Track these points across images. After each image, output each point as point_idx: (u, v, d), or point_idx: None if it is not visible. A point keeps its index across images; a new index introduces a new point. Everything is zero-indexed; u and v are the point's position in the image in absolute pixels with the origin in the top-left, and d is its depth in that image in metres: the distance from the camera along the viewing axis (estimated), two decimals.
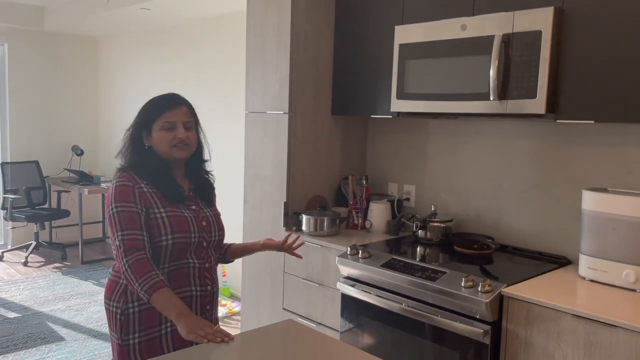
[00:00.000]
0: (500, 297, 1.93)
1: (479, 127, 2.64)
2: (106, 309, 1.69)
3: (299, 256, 1.95)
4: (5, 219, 5.37)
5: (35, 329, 3.68)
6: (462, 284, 1.98)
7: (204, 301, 1.73)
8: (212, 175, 1.87)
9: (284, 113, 2.79)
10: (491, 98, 2.13)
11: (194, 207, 1.72)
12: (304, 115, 2.83)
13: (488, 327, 1.93)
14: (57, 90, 5.97)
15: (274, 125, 2.86)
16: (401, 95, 2.47)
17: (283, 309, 2.84)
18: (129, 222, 1.57)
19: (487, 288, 1.92)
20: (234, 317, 3.89)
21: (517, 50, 2.08)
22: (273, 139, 2.87)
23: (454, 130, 2.75)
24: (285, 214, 2.81)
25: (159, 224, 1.62)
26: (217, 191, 1.89)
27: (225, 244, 1.93)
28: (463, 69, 2.24)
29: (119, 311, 1.63)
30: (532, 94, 2.05)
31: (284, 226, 2.82)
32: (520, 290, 1.92)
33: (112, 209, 1.58)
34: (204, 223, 1.72)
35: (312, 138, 2.89)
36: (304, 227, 2.73)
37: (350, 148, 3.10)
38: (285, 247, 1.92)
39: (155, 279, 1.52)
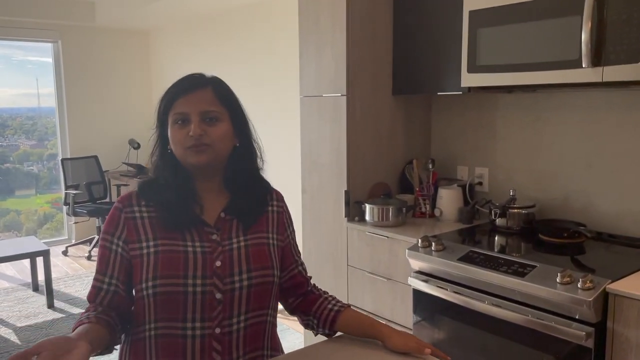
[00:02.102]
0: (605, 295, 1.67)
1: (562, 99, 2.34)
2: None
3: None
4: (68, 214, 5.47)
5: None
6: (558, 280, 1.73)
7: None
8: (266, 185, 1.31)
9: (342, 95, 2.58)
10: (583, 65, 1.84)
11: (215, 236, 1.20)
12: (362, 96, 2.61)
13: (591, 329, 1.67)
14: (111, 85, 6.00)
15: (330, 108, 2.66)
16: (473, 69, 2.21)
17: (348, 305, 2.66)
18: (100, 262, 1.20)
19: (588, 285, 1.66)
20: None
21: (613, 7, 1.78)
22: (330, 124, 2.67)
23: (532, 104, 2.46)
24: (347, 204, 2.62)
25: (142, 264, 1.15)
26: (274, 183, 1.36)
27: (332, 302, 1.30)
28: (546, 35, 1.96)
29: None
30: (633, 58, 1.75)
31: (345, 216, 2.63)
32: (628, 286, 1.65)
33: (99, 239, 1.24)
34: (218, 263, 1.16)
35: (372, 121, 2.67)
36: (367, 217, 2.53)
37: (413, 130, 2.86)
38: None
39: (77, 320, 1.12)
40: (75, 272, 4.87)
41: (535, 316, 1.80)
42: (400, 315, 2.40)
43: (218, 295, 1.15)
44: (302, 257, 1.41)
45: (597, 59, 1.83)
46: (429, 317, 2.20)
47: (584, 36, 1.82)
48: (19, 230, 5.99)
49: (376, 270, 2.49)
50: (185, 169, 1.22)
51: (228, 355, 1.17)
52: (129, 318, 1.21)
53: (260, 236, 1.25)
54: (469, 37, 2.21)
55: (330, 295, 1.37)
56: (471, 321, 2.02)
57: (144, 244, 1.17)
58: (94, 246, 5.42)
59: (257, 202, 1.27)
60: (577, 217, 2.31)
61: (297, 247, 1.38)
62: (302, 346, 2.33)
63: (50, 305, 4.01)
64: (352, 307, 1.35)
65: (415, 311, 2.25)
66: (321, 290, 1.39)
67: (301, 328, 2.96)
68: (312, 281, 1.40)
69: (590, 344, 1.67)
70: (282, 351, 1.32)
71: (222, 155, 1.22)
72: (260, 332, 1.23)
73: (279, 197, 1.35)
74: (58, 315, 3.87)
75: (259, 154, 1.29)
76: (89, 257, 5.28)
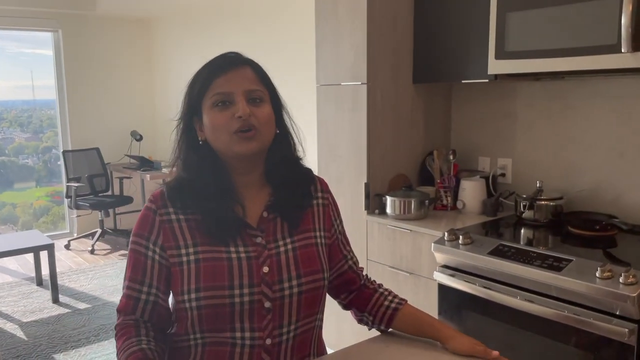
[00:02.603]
0: None
1: (593, 87, 2.27)
2: None
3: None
4: (70, 207, 5.37)
5: (107, 320, 3.60)
6: (598, 275, 1.66)
7: None
8: (309, 175, 1.19)
9: (362, 83, 2.49)
10: (623, 50, 1.76)
11: (260, 239, 1.09)
12: (383, 85, 2.53)
13: (634, 326, 1.60)
14: (112, 75, 5.89)
15: (349, 97, 2.57)
16: (501, 55, 2.13)
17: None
18: (133, 268, 1.09)
19: (631, 280, 1.59)
20: None
21: None
22: (349, 113, 2.58)
23: (560, 92, 2.38)
24: (367, 196, 2.54)
25: (183, 273, 1.05)
26: None
27: (388, 298, 1.23)
28: (582, 18, 1.88)
29: None
30: None
31: (365, 209, 2.55)
32: None
33: (129, 242, 1.12)
34: (266, 269, 1.07)
35: (393, 110, 2.59)
36: (388, 210, 2.45)
37: (434, 120, 2.77)
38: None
39: (134, 347, 1.04)
40: (79, 266, 4.79)
41: (572, 312, 1.73)
42: (424, 311, 2.32)
43: (267, 304, 1.06)
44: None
45: (637, 44, 1.75)
46: (455, 313, 2.13)
47: (624, 19, 1.74)
48: (14, 224, 5.90)
49: (398, 264, 2.42)
50: (222, 164, 1.10)
51: None
52: (166, 329, 1.13)
53: (308, 236, 1.14)
54: (497, 22, 2.13)
55: (386, 290, 1.27)
56: (500, 317, 1.95)
57: (183, 251, 1.06)
58: (96, 240, 5.33)
59: (302, 196, 1.16)
60: (607, 209, 2.24)
61: (346, 239, 1.28)
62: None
63: (55, 300, 3.93)
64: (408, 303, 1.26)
65: (440, 307, 2.18)
66: (375, 283, 1.29)
67: None
68: (364, 274, 1.31)
69: (632, 341, 1.61)
70: (326, 352, 1.24)
71: (268, 142, 1.10)
72: (309, 339, 1.15)
73: (325, 187, 1.23)
74: (64, 310, 3.79)
75: (297, 141, 1.17)
76: (92, 251, 5.19)
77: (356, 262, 1.28)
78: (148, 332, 1.08)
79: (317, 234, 1.16)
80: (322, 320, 1.20)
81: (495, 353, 1.12)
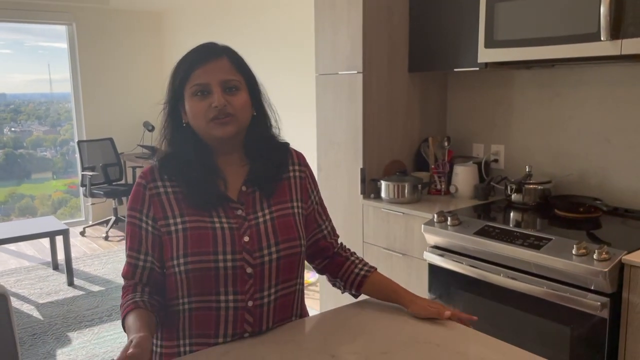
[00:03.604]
0: (621, 266, 1.68)
1: (581, 75, 2.34)
2: None
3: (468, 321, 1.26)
4: (85, 195, 5.55)
5: (119, 301, 3.73)
6: (574, 252, 1.74)
7: None
8: (284, 148, 1.29)
9: (357, 72, 2.59)
10: (602, 38, 1.84)
11: (240, 212, 1.19)
12: (378, 74, 2.62)
13: (606, 300, 1.69)
14: (125, 67, 6.04)
15: (346, 86, 2.67)
16: (490, 44, 2.21)
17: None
18: (131, 239, 1.20)
19: (604, 256, 1.68)
20: (310, 287, 3.81)
21: None
22: (346, 102, 2.68)
23: (550, 80, 2.45)
24: (362, 181, 2.65)
25: (172, 240, 1.16)
26: None
27: (358, 266, 1.33)
28: (565, 8, 1.95)
29: None
30: None
31: (361, 194, 2.65)
32: None
33: (126, 215, 1.23)
34: (246, 238, 1.17)
35: (388, 98, 2.68)
36: (382, 194, 2.55)
37: (429, 107, 2.86)
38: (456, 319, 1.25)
39: (129, 301, 1.15)
40: (94, 252, 4.97)
41: (551, 287, 1.82)
42: (415, 290, 2.42)
43: (249, 270, 1.16)
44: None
45: (616, 32, 1.82)
46: (445, 292, 2.22)
47: (603, 9, 1.81)
48: (33, 215, 6.09)
49: (391, 246, 2.52)
50: (204, 143, 1.20)
51: (258, 327, 1.20)
52: (163, 293, 1.23)
53: (285, 207, 1.24)
54: (487, 12, 2.20)
55: (358, 258, 1.37)
56: (487, 294, 2.05)
57: (171, 221, 1.17)
58: (110, 227, 5.51)
59: (276, 168, 1.25)
60: (594, 192, 2.31)
61: (324, 209, 1.37)
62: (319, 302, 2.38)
63: (70, 283, 4.10)
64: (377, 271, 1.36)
65: (430, 285, 2.28)
66: (349, 251, 1.39)
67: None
68: (339, 242, 1.40)
69: (605, 314, 1.69)
70: (308, 315, 1.35)
71: (244, 125, 1.20)
72: (289, 302, 1.25)
73: (302, 161, 1.32)
74: (78, 292, 3.95)
75: (274, 120, 1.27)
76: (106, 238, 5.37)
77: (331, 232, 1.38)
78: (143, 289, 1.20)
79: (294, 204, 1.26)
80: (302, 285, 1.30)
81: (448, 313, 1.22)
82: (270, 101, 1.27)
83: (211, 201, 1.17)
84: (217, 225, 1.16)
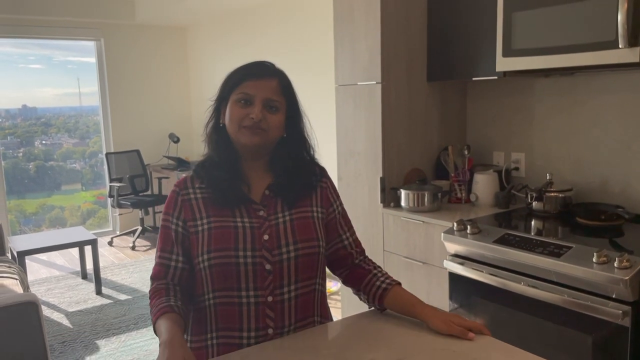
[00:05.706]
0: None
1: (601, 82, 2.33)
2: None
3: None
4: (112, 206, 5.69)
5: (145, 310, 3.84)
6: (594, 260, 1.74)
7: None
8: (311, 168, 1.36)
9: (376, 83, 2.62)
10: (620, 46, 1.83)
11: (261, 212, 1.28)
12: (397, 83, 2.65)
13: (628, 308, 1.68)
14: (151, 81, 6.19)
15: (365, 96, 2.71)
16: (508, 53, 2.22)
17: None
18: (163, 241, 1.30)
19: (625, 264, 1.67)
20: (332, 297, 3.83)
21: None
22: (365, 111, 2.72)
23: (569, 88, 2.44)
24: (382, 190, 2.67)
25: (198, 239, 1.26)
26: None
27: (380, 279, 1.34)
28: (582, 16, 1.96)
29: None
30: None
31: (381, 202, 2.68)
32: None
33: (161, 220, 1.34)
34: (266, 236, 1.25)
35: (407, 108, 2.71)
36: (402, 203, 2.57)
37: (449, 116, 2.88)
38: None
39: (163, 304, 1.22)
40: (121, 262, 5.08)
41: (572, 296, 1.81)
42: (436, 298, 2.43)
43: (268, 267, 1.24)
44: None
45: (634, 39, 1.82)
46: (465, 300, 2.23)
47: (620, 17, 1.81)
48: (63, 226, 6.25)
49: (412, 254, 2.53)
50: (234, 147, 1.30)
51: (280, 322, 1.26)
52: (191, 293, 1.31)
53: (305, 210, 1.32)
54: (504, 21, 2.22)
55: (380, 271, 1.39)
56: (507, 302, 2.05)
57: (199, 222, 1.27)
58: (137, 237, 5.63)
59: (302, 184, 1.33)
60: (616, 200, 2.29)
61: (347, 221, 1.41)
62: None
63: (99, 292, 4.21)
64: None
65: (451, 294, 2.29)
66: (372, 264, 1.41)
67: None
68: (363, 255, 1.43)
69: (627, 322, 1.68)
70: (332, 319, 1.39)
71: (271, 141, 1.30)
72: (310, 300, 1.31)
73: (323, 173, 1.40)
74: (106, 301, 4.05)
75: (308, 145, 1.36)
76: (133, 248, 5.49)
77: (352, 243, 1.41)
78: (176, 293, 1.27)
79: (314, 209, 1.34)
80: (323, 286, 1.35)
81: (472, 335, 1.19)
82: (310, 129, 1.37)
83: (233, 201, 1.27)
84: (240, 224, 1.26)
